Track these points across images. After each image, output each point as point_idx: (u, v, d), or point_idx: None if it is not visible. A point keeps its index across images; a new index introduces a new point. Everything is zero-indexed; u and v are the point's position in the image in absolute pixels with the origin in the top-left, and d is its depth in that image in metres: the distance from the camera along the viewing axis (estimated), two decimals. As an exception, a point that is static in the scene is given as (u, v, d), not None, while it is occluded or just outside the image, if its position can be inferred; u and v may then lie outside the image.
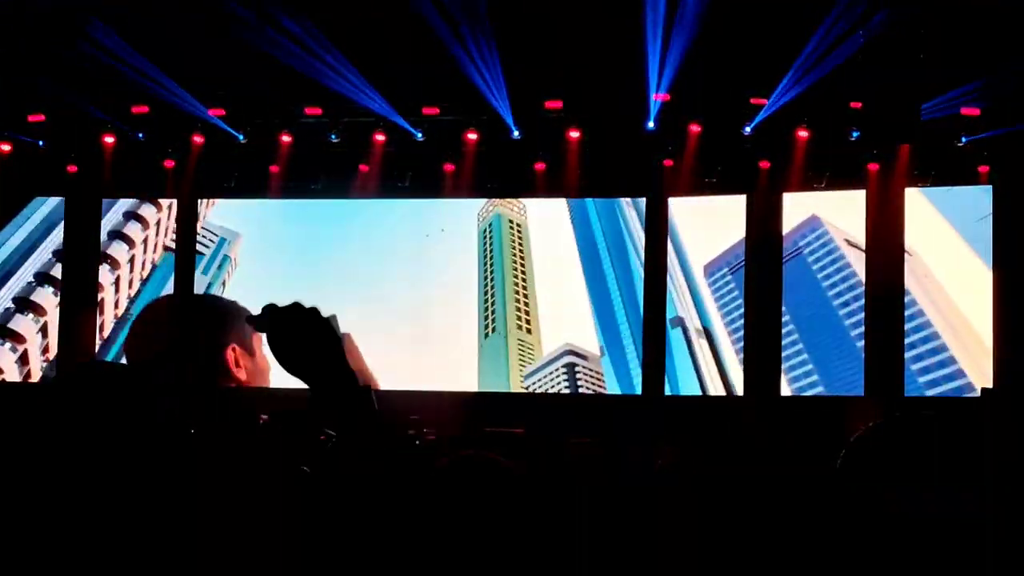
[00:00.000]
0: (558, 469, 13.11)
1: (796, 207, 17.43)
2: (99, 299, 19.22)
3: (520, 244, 17.36)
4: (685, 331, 17.72)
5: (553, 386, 16.42)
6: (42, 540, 1.73)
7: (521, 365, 18.20)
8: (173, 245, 18.13)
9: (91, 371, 1.88)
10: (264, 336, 2.29)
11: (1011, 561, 1.82)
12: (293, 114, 17.43)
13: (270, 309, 2.31)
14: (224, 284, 18.35)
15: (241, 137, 17.75)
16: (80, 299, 19.15)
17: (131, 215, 19.05)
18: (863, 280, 16.52)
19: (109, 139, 17.89)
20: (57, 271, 18.51)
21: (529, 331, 18.34)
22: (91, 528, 1.74)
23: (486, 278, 17.27)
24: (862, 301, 16.55)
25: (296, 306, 2.22)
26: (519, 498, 2.02)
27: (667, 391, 17.23)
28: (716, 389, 16.97)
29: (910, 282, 16.23)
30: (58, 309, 19.22)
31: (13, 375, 18.52)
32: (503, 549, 1.98)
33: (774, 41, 15.12)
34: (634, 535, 3.59)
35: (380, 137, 17.63)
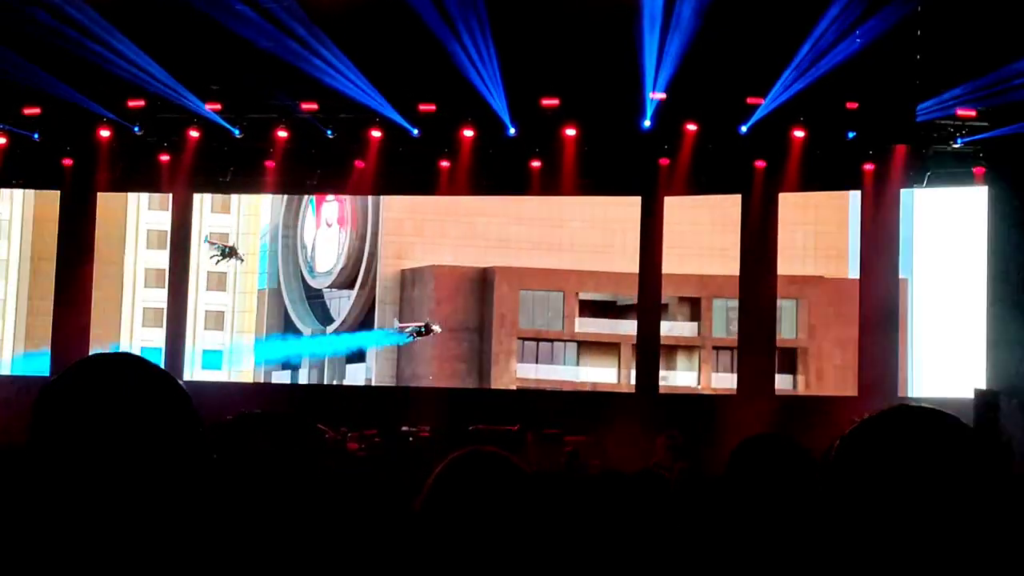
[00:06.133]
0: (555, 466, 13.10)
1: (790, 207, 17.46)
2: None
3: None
4: None
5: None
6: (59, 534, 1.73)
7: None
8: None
9: (121, 365, 1.87)
10: None
11: (1005, 556, 1.83)
12: (289, 109, 17.39)
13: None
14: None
15: (237, 132, 17.71)
16: (74, 292, 19.14)
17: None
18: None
19: (105, 132, 17.85)
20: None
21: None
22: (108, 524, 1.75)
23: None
24: None
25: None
26: (531, 494, 2.03)
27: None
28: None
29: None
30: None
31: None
32: (515, 545, 1.99)
33: (771, 41, 15.13)
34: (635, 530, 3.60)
35: (376, 133, 17.61)
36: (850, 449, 1.91)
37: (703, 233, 17.00)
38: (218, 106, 17.35)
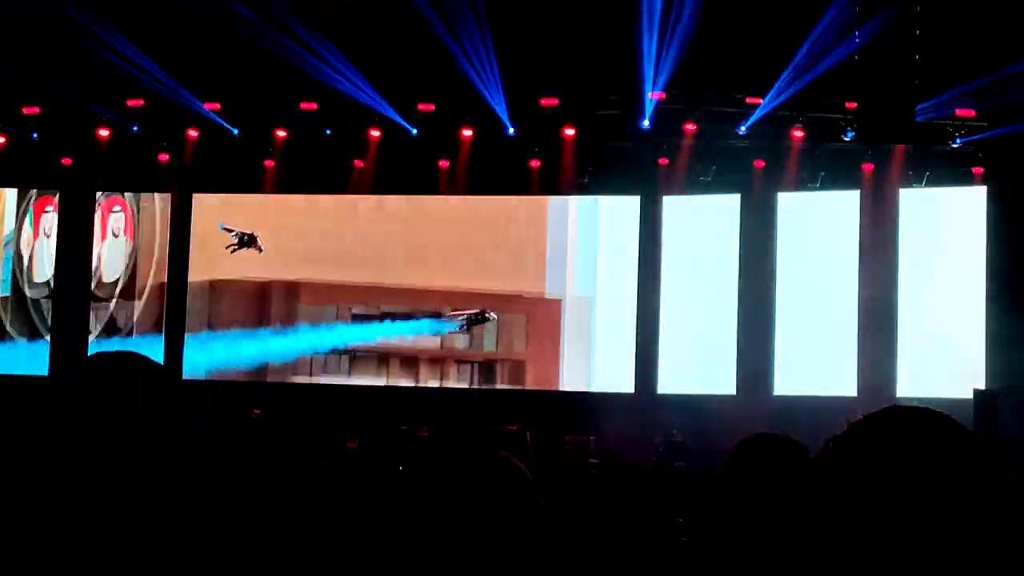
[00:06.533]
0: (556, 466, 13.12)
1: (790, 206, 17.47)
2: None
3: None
4: None
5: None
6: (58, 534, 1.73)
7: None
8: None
9: (122, 363, 1.86)
10: None
11: (1002, 557, 1.83)
12: (288, 109, 17.40)
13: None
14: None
15: (236, 131, 17.73)
16: (73, 291, 19.17)
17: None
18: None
19: (104, 132, 17.87)
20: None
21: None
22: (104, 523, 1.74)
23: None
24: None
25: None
26: (531, 494, 2.03)
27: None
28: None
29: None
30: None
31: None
32: (516, 546, 1.99)
33: (770, 41, 15.13)
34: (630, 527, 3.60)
35: (375, 133, 17.62)
36: (843, 449, 1.91)
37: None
38: (217, 106, 17.38)
